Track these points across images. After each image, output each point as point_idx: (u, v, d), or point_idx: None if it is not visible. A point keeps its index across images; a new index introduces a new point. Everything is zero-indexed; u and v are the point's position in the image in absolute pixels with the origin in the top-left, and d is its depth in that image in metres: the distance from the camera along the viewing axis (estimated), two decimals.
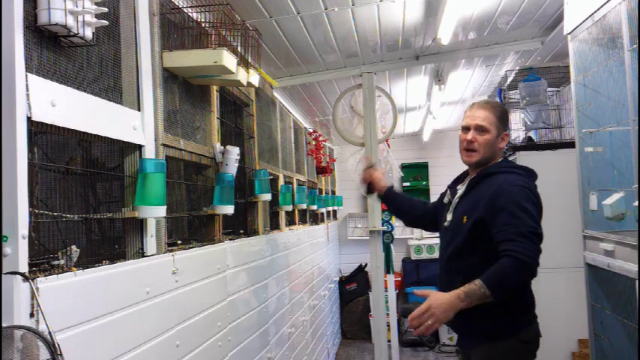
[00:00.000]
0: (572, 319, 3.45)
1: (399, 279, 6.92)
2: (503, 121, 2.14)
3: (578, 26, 2.62)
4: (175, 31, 2.04)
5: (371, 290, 6.11)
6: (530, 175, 2.12)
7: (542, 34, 3.68)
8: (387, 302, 4.61)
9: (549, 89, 3.99)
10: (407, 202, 2.54)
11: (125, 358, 1.50)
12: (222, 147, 2.37)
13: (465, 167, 2.26)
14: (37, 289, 1.15)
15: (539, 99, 3.86)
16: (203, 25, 2.22)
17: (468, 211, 2.05)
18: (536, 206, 1.96)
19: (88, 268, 1.36)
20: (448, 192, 2.26)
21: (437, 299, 1.83)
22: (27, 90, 1.20)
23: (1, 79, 1.16)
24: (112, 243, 1.65)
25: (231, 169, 2.35)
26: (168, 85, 1.96)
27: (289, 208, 3.61)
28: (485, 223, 1.95)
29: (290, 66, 3.76)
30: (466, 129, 2.13)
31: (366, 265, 6.90)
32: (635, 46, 2.07)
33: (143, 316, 1.61)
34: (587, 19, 2.49)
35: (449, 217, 2.15)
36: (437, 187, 7.27)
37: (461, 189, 2.17)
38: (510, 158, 3.86)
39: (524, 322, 1.99)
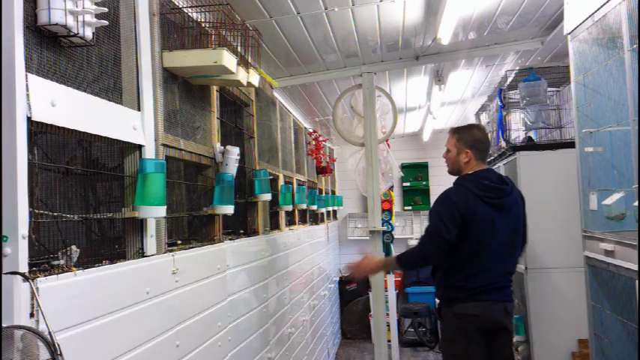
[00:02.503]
0: (572, 319, 3.45)
1: (399, 279, 6.92)
2: (461, 140, 2.66)
3: (578, 26, 2.62)
4: (175, 31, 2.04)
5: (371, 290, 6.11)
6: (465, 184, 2.58)
7: (542, 34, 3.68)
8: (387, 302, 4.61)
9: (549, 89, 3.99)
10: None
11: (125, 358, 1.50)
12: (222, 147, 2.37)
13: None
14: (37, 289, 1.15)
15: (539, 99, 3.86)
16: (203, 25, 2.21)
17: None
18: (448, 209, 2.50)
19: (88, 268, 1.36)
20: None
21: (363, 262, 2.75)
22: (27, 90, 1.20)
23: (1, 79, 1.16)
24: (112, 243, 1.65)
25: (231, 169, 2.35)
26: (168, 85, 1.96)
27: (289, 208, 3.61)
28: None
29: (290, 66, 3.76)
30: None
31: None
32: (635, 46, 2.07)
33: (143, 316, 1.61)
34: (587, 19, 2.49)
35: None
36: (437, 187, 7.28)
37: None
38: (510, 158, 3.87)
39: (458, 298, 2.55)
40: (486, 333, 2.52)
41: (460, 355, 2.53)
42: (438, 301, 2.77)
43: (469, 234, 2.47)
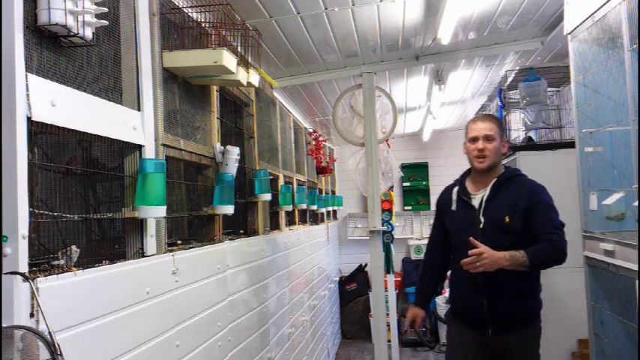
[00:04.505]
0: (572, 319, 3.45)
1: (399, 279, 6.93)
2: (502, 129, 2.47)
3: (578, 26, 2.62)
4: (175, 31, 2.04)
5: (371, 290, 6.11)
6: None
7: (542, 34, 3.68)
8: (387, 302, 4.61)
9: (549, 89, 3.99)
10: (434, 281, 2.78)
11: (125, 358, 1.50)
12: (222, 147, 2.37)
13: (460, 172, 2.58)
14: (37, 289, 1.15)
15: (539, 99, 3.86)
16: (203, 25, 2.21)
17: (508, 211, 2.33)
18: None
19: (88, 268, 1.36)
20: (454, 200, 2.50)
21: (489, 251, 2.21)
22: (27, 90, 1.20)
23: (1, 79, 1.16)
24: (112, 243, 1.65)
25: (231, 169, 2.35)
26: (168, 85, 1.96)
27: (289, 208, 3.61)
28: (528, 216, 2.31)
29: (290, 66, 3.76)
30: (474, 140, 2.40)
31: (366, 265, 6.90)
32: (635, 46, 2.07)
33: (143, 316, 1.61)
34: (587, 19, 2.49)
35: (482, 219, 2.38)
36: (437, 187, 7.27)
37: (482, 194, 2.41)
38: (510, 158, 3.87)
39: (541, 305, 2.45)
40: None
41: None
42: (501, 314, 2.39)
43: None
